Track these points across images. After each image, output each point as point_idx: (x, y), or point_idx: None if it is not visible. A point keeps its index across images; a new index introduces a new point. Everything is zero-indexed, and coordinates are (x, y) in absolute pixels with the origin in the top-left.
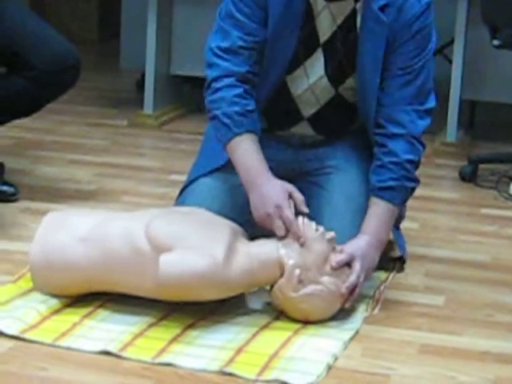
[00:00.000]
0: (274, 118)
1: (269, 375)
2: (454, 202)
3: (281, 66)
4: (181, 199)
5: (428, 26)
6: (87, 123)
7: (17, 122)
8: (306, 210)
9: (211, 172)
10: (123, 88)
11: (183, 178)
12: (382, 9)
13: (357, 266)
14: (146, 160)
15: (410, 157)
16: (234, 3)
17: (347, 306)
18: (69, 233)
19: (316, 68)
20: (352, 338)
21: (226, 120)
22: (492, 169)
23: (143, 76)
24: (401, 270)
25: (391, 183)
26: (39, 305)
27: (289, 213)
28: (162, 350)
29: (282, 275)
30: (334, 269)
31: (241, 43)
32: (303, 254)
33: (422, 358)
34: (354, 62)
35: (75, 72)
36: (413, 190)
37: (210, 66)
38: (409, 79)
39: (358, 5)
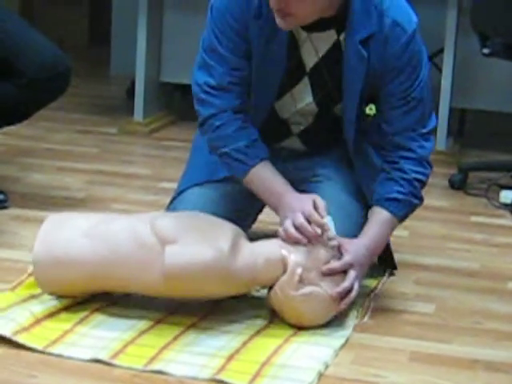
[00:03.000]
0: (264, 134)
1: (260, 383)
2: (443, 210)
3: (268, 95)
4: (171, 208)
5: (417, 54)
6: (77, 130)
7: (6, 129)
8: (325, 214)
9: (201, 183)
10: (113, 95)
11: (173, 185)
12: (366, 41)
13: (352, 274)
14: (136, 167)
15: (419, 176)
16: (217, 37)
17: (337, 311)
18: (72, 229)
19: (304, 95)
20: (342, 346)
21: (237, 155)
22: (482, 177)
23: (133, 83)
24: (391, 275)
25: (398, 196)
26: (34, 306)
27: (317, 217)
28: (153, 358)
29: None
30: (323, 273)
31: (229, 79)
32: (306, 255)
33: (412, 366)
34: (342, 92)
35: (65, 79)
36: (415, 207)
37: (202, 102)
38: (410, 108)
39: (342, 36)
